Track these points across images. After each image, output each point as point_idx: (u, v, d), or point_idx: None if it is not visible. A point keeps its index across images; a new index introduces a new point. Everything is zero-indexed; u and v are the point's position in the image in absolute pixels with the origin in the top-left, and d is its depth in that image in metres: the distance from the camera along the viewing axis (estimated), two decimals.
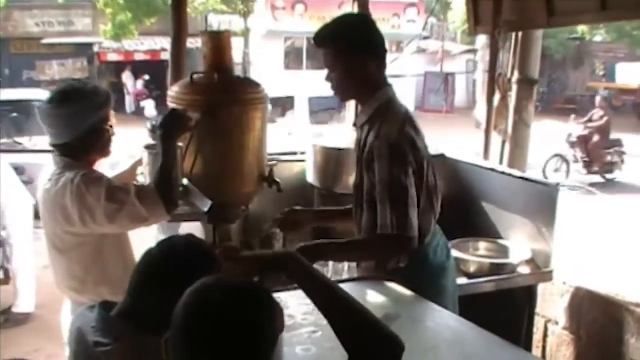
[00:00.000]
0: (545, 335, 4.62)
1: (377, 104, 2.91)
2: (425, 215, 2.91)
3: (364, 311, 1.88)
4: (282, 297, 2.50)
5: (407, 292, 2.96)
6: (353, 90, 2.95)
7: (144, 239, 2.99)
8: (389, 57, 3.00)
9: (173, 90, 3.59)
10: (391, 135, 2.78)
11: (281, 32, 28.24)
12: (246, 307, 1.59)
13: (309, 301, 2.74)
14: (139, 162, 3.44)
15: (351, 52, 2.84)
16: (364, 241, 3.01)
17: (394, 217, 2.72)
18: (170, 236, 2.28)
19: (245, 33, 27.63)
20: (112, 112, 3.09)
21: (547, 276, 4.04)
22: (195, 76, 3.53)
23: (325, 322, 2.54)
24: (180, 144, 3.16)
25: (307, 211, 3.51)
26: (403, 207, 2.72)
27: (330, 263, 3.48)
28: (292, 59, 29.56)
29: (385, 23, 27.23)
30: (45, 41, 27.69)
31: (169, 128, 3.00)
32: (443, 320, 2.71)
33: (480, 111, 5.36)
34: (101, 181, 2.86)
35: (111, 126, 3.06)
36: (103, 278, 3.04)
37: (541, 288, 4.30)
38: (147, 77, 27.22)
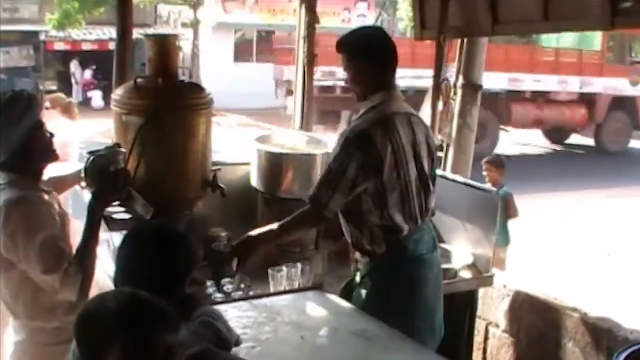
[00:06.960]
0: (486, 338, 4.69)
1: (370, 105, 3.12)
2: (396, 210, 3.07)
3: None
4: (222, 309, 2.50)
5: (346, 304, 3.03)
6: (357, 90, 3.18)
7: None
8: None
9: (117, 94, 3.55)
10: (353, 130, 3.04)
11: (231, 25, 28.06)
12: None
13: (249, 314, 2.78)
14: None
15: (354, 58, 3.13)
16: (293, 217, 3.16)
17: (318, 192, 3.01)
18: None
19: (195, 24, 27.40)
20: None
21: (488, 281, 4.11)
22: (139, 80, 3.50)
23: (264, 337, 2.57)
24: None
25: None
26: (329, 187, 2.99)
27: (284, 269, 3.45)
28: (242, 51, 29.40)
29: (336, 17, 27.30)
30: None
31: (102, 198, 2.86)
32: (380, 333, 2.74)
33: (426, 114, 5.43)
34: (38, 227, 2.66)
35: (46, 130, 2.85)
36: (33, 308, 2.80)
37: (482, 291, 4.36)
38: (95, 67, 26.79)
